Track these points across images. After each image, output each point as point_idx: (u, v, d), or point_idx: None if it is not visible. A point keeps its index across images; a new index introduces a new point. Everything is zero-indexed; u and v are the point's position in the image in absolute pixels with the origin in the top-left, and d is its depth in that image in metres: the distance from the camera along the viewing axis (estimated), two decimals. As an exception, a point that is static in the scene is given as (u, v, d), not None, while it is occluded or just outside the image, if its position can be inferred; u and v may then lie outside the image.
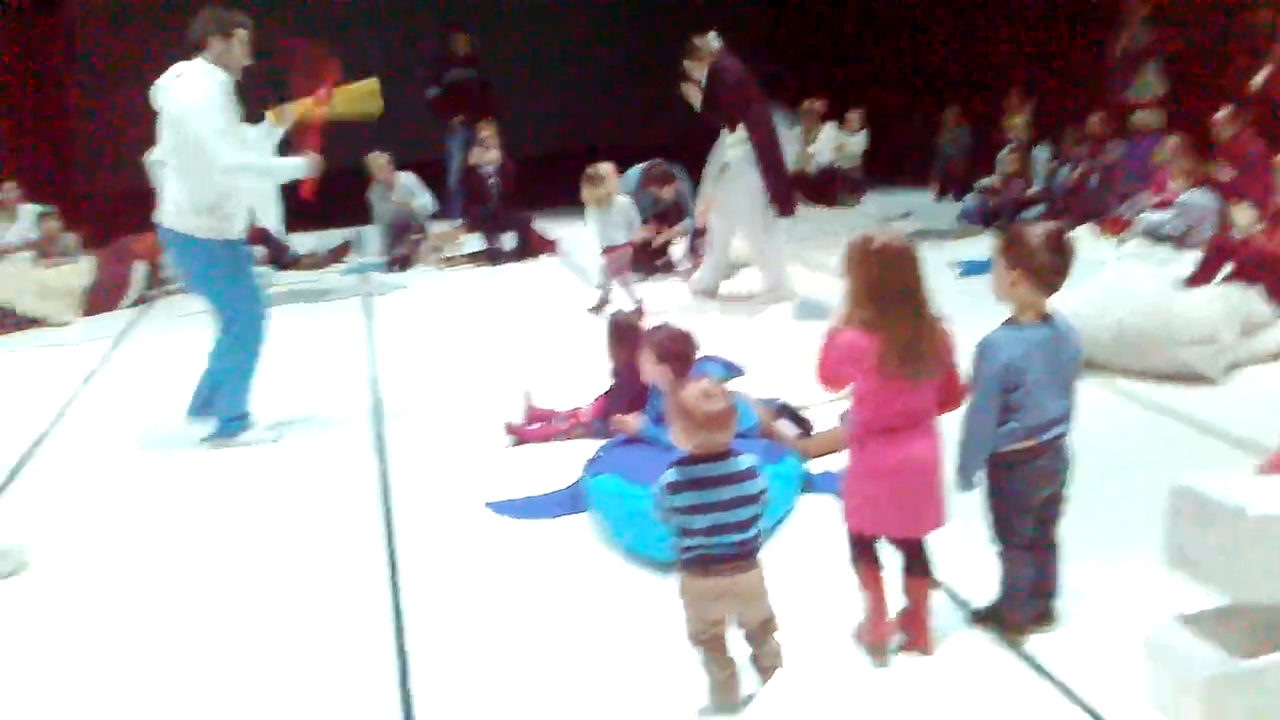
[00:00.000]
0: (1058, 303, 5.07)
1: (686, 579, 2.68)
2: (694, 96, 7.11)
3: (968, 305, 6.39)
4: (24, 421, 5.64)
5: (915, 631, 2.96)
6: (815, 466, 4.23)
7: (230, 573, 3.77)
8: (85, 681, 3.11)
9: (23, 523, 4.27)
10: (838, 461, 4.19)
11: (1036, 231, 2.87)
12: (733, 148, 7.06)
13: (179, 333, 7.50)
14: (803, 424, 4.55)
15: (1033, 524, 2.92)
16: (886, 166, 11.87)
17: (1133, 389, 5.04)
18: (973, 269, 7.70)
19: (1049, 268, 2.82)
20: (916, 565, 2.95)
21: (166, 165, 4.95)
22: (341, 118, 5.58)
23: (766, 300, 7.14)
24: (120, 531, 4.18)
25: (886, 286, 2.77)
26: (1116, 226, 8.17)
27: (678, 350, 4.05)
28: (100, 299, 8.27)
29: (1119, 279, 5.53)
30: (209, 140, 4.73)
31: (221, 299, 5.02)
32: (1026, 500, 2.89)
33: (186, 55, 4.87)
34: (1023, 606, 2.98)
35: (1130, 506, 3.73)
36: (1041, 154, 9.16)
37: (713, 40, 7.13)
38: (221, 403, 5.04)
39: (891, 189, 11.48)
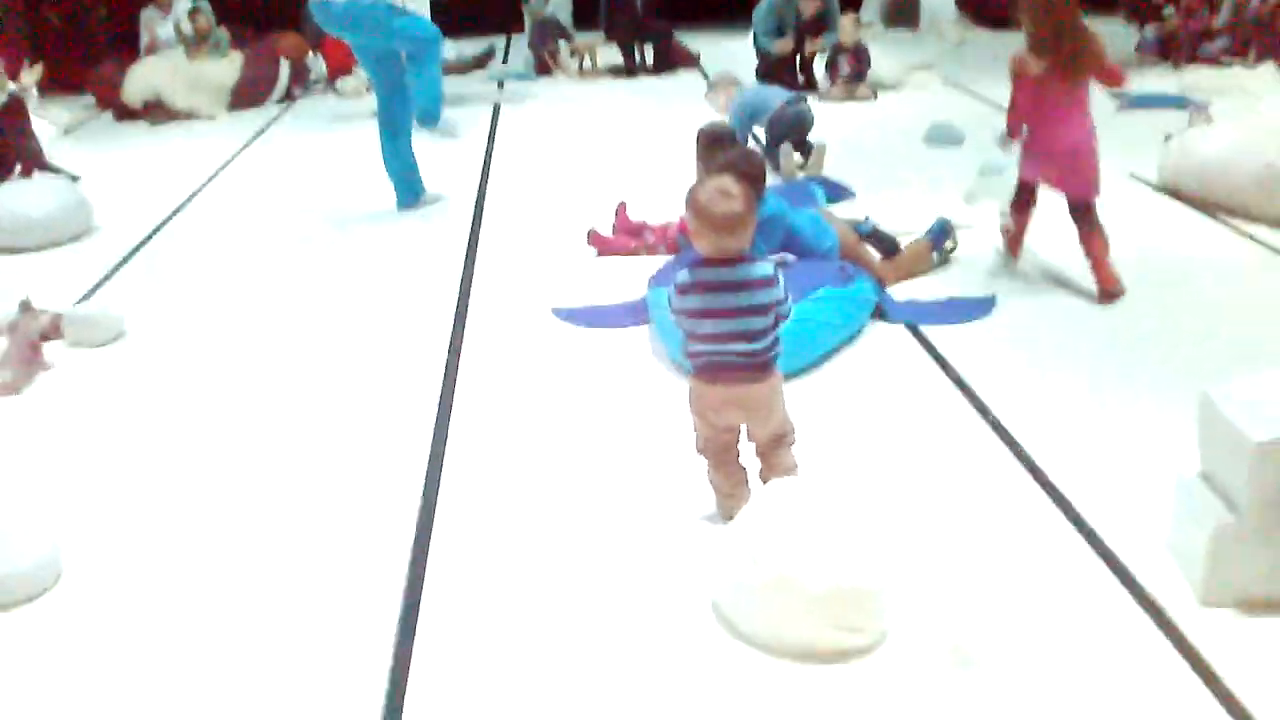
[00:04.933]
0: (1215, 137, 4.78)
1: (694, 385, 2.64)
2: None
3: (1122, 140, 6.08)
4: (153, 206, 5.94)
5: (1103, 277, 3.98)
6: (895, 292, 4.08)
7: (297, 347, 3.97)
8: (153, 446, 3.33)
9: (132, 296, 4.54)
10: (922, 290, 4.11)
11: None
12: None
13: (318, 131, 7.72)
14: (888, 248, 4.36)
15: None
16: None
17: (1267, 236, 4.63)
18: (1134, 104, 7.14)
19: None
20: (1086, 223, 3.99)
21: None
22: None
23: None
24: (215, 309, 4.40)
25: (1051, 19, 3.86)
26: (1305, 66, 7.38)
27: (748, 171, 3.87)
28: (248, 95, 8.52)
29: (1277, 119, 5.03)
30: None
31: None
32: None
33: None
34: None
35: (1221, 357, 3.48)
36: (1234, -20, 8.26)
37: None
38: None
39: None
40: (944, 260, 4.40)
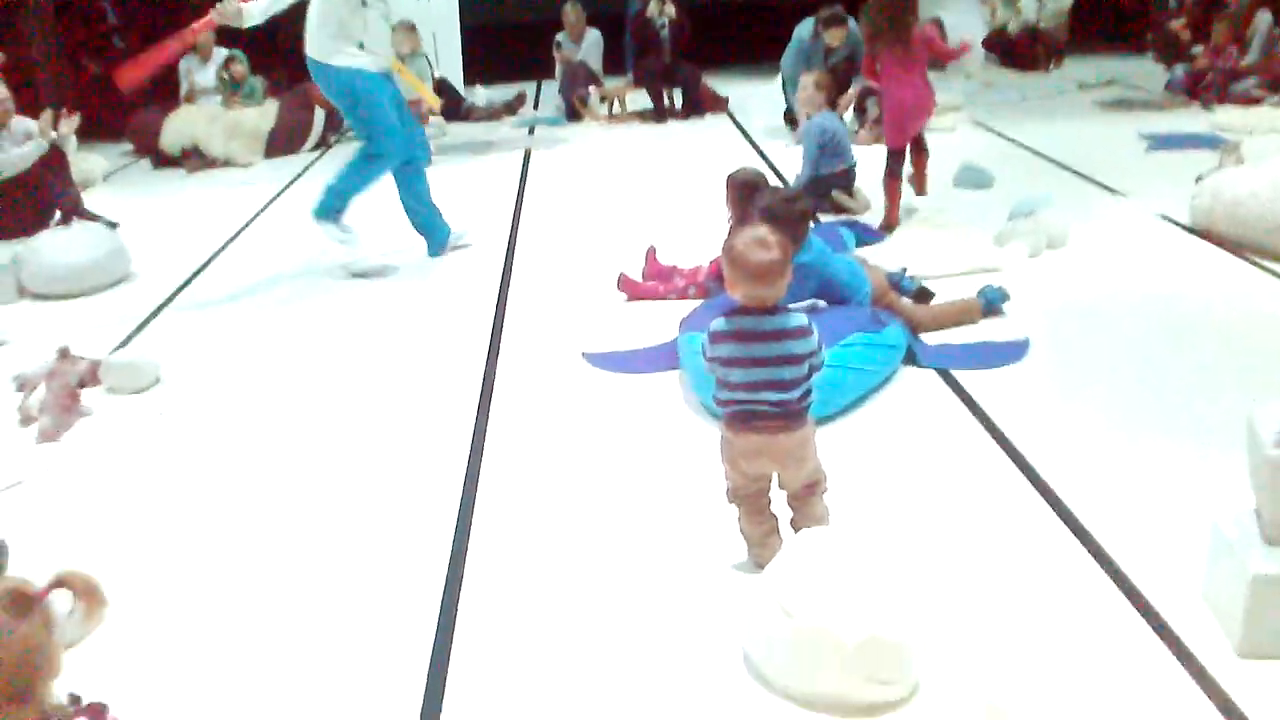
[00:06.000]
0: (1247, 178, 4.77)
1: (725, 433, 2.65)
2: None
3: (1147, 179, 6.08)
4: (190, 252, 6.04)
5: (920, 183, 5.73)
6: (929, 339, 4.08)
7: (332, 393, 4.00)
8: (190, 492, 3.37)
9: (169, 342, 4.61)
10: (953, 336, 4.11)
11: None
12: None
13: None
14: (923, 296, 4.36)
15: None
16: (1096, 28, 11.00)
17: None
18: (1163, 144, 7.14)
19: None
20: (921, 144, 5.64)
21: None
22: None
23: None
24: (251, 353, 4.47)
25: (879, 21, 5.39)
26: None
27: (791, 215, 3.88)
28: (282, 142, 8.66)
29: (1310, 158, 5.01)
30: None
31: (360, 127, 5.42)
32: None
33: None
34: None
35: (1256, 400, 3.45)
36: (1263, 21, 8.25)
37: None
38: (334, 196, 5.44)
39: (1097, 54, 10.65)
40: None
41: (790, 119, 8.27)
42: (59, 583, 1.78)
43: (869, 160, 6.78)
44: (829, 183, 5.90)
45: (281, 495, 3.28)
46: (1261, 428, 2.23)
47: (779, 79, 8.50)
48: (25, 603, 1.69)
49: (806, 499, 2.68)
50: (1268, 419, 2.24)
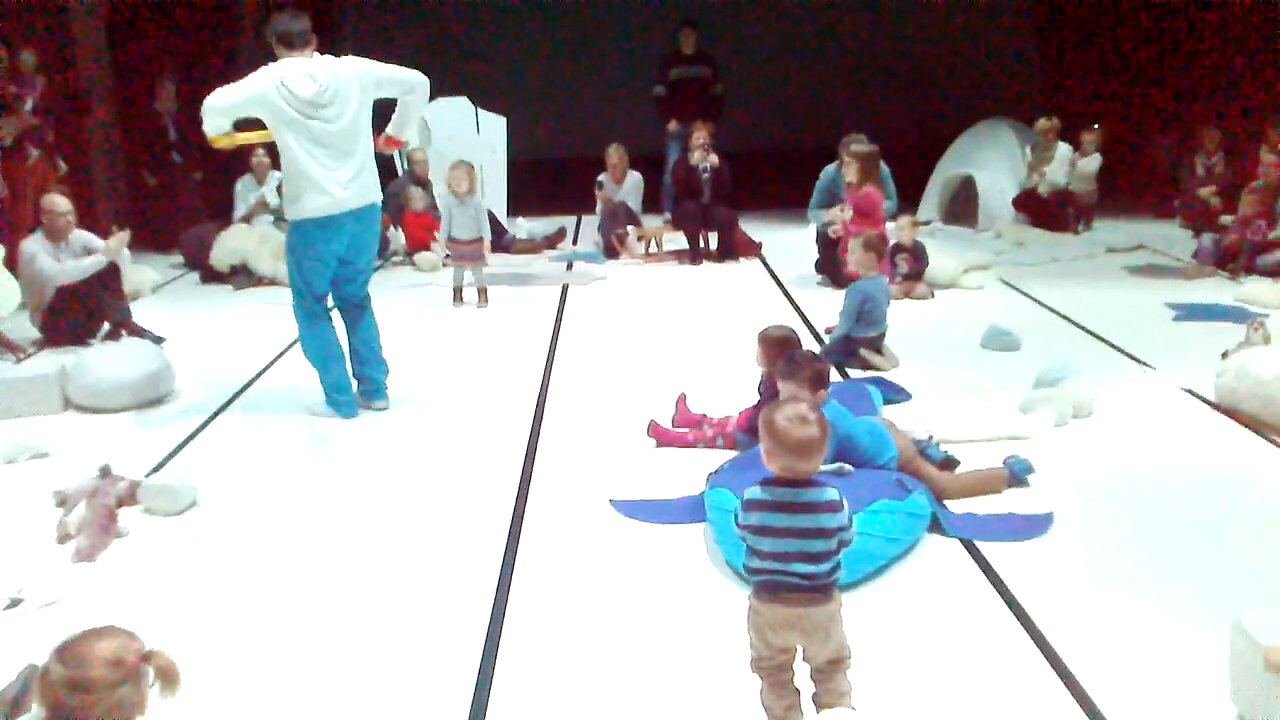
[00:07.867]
0: (1272, 356, 4.83)
1: (754, 603, 2.69)
2: None
3: (1173, 350, 6.15)
4: (233, 370, 6.19)
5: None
6: (953, 507, 4.12)
7: (364, 526, 4.10)
8: (220, 620, 3.43)
9: (207, 463, 4.73)
10: (977, 505, 4.15)
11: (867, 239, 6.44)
12: None
13: (394, 302, 7.99)
14: (949, 464, 4.41)
15: None
16: (1125, 192, 11.23)
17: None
18: (1190, 314, 7.23)
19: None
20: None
21: None
22: None
23: None
24: (286, 480, 4.57)
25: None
26: (1366, 281, 7.45)
27: (813, 375, 4.00)
28: (328, 264, 8.89)
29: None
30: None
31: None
32: None
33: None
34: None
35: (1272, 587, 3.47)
36: (1291, 194, 8.43)
37: None
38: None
39: (1125, 217, 10.85)
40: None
41: (820, 266, 8.45)
42: (149, 656, 2.09)
43: (894, 316, 6.90)
44: (859, 344, 6.04)
45: (307, 628, 3.33)
46: (1259, 635, 2.25)
47: (812, 227, 8.71)
48: (123, 666, 2.04)
49: (831, 674, 2.70)
50: (1261, 627, 2.26)
